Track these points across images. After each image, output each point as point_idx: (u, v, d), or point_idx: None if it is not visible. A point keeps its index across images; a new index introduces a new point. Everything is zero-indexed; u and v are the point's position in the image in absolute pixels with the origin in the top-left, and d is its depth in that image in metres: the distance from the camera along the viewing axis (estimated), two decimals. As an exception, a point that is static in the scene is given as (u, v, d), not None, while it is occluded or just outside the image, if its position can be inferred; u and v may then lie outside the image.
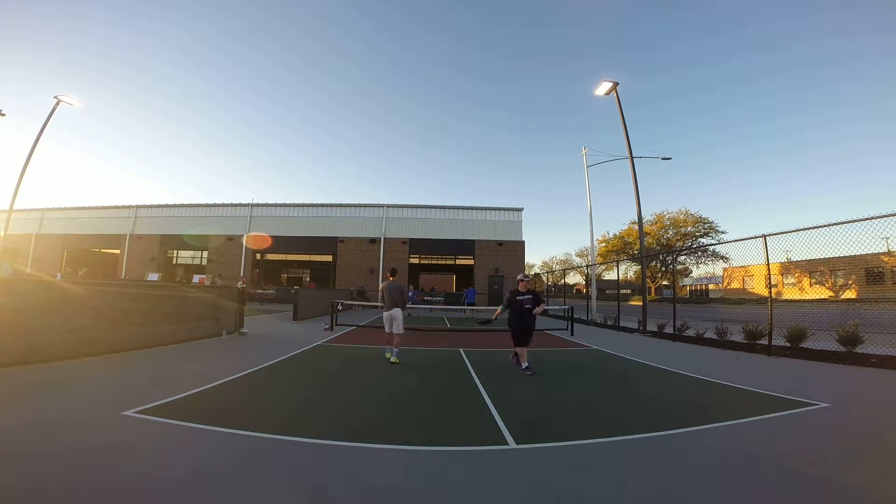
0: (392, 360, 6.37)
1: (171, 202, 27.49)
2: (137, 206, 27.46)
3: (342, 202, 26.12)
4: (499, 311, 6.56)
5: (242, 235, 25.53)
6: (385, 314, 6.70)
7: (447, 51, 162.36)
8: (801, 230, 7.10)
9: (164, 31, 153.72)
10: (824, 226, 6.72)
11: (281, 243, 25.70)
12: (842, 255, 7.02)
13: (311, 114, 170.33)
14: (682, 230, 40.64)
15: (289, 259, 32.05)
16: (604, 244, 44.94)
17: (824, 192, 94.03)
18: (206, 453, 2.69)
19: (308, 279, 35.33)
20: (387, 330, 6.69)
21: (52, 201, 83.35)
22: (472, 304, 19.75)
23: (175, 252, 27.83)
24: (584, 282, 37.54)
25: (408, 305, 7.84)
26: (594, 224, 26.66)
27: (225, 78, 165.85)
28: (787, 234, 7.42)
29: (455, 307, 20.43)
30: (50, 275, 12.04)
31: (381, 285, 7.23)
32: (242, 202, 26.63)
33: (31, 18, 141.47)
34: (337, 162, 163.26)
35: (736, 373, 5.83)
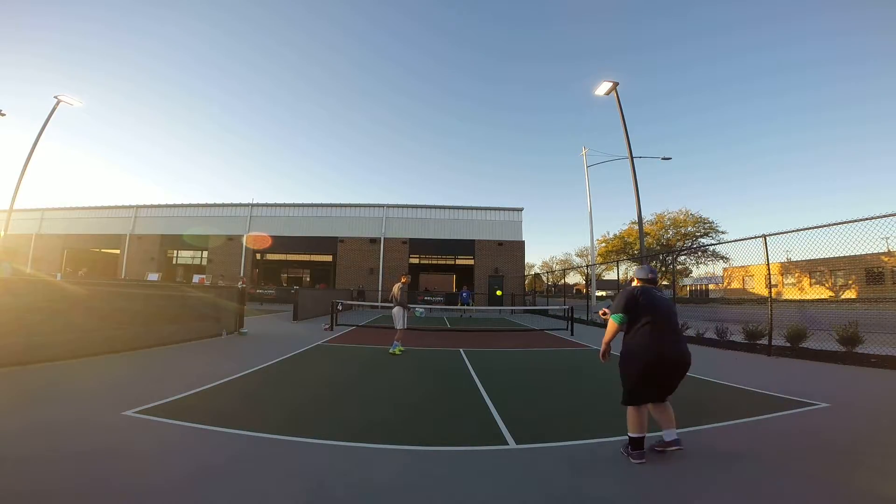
0: (396, 351, 7.04)
1: (171, 202, 27.50)
2: (137, 206, 27.44)
3: (342, 202, 26.13)
4: (612, 325, 2.92)
5: (242, 235, 25.52)
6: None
7: (447, 50, 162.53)
8: (801, 230, 7.11)
9: (164, 30, 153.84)
10: (824, 226, 6.72)
11: (281, 243, 25.69)
12: (842, 255, 7.02)
13: (311, 113, 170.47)
14: (683, 230, 40.57)
15: (289, 259, 32.07)
16: (604, 244, 44.87)
17: (824, 192, 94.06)
18: (206, 453, 2.69)
19: (308, 279, 35.38)
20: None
21: (52, 201, 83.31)
22: (467, 304, 20.01)
23: (175, 252, 27.84)
24: (584, 282, 37.54)
25: (407, 305, 8.25)
26: (594, 224, 26.70)
27: (225, 78, 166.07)
28: (787, 234, 7.42)
29: (455, 307, 20.57)
30: (50, 275, 12.03)
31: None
32: (242, 202, 26.62)
33: (31, 18, 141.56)
34: (337, 162, 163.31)
35: (736, 373, 5.83)
